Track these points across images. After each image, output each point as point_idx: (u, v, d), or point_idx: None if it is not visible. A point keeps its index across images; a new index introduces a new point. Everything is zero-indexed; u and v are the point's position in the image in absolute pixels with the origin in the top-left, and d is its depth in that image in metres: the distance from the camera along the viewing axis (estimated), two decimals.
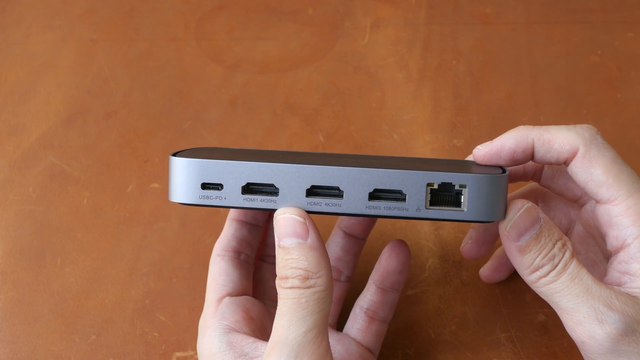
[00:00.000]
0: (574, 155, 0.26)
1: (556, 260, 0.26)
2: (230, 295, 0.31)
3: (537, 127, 0.28)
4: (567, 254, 0.26)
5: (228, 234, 0.33)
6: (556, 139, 0.27)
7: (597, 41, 0.52)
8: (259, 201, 0.26)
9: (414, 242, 0.40)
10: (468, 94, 0.49)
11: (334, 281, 0.33)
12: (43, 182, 0.45)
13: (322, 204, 0.26)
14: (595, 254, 0.32)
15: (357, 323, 0.33)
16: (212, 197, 0.26)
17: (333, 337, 0.32)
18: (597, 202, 0.27)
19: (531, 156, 0.28)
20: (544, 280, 0.26)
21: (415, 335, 0.37)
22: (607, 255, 0.30)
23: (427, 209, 0.27)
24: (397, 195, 0.26)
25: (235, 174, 0.26)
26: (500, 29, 0.53)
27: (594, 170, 0.26)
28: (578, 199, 0.31)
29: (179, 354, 0.36)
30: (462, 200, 0.26)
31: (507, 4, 0.55)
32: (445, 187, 0.26)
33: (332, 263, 0.34)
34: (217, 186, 0.26)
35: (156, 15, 0.57)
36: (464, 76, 0.50)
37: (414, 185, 0.26)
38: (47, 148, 0.47)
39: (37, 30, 0.56)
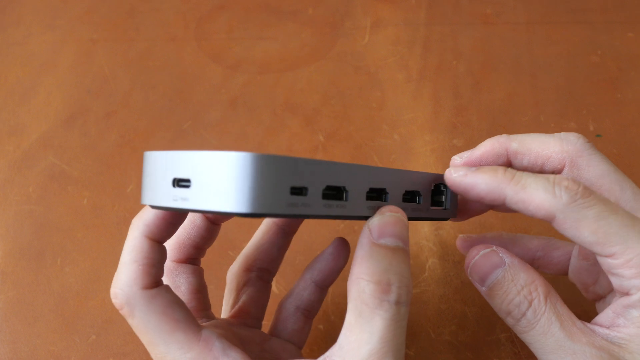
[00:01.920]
0: (552, 219, 0.24)
1: (522, 308, 0.24)
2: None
3: (514, 178, 0.25)
4: (536, 302, 0.24)
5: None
6: (531, 202, 0.24)
7: (597, 41, 0.52)
8: (335, 207, 0.23)
9: (414, 242, 0.40)
10: (468, 94, 0.49)
11: (269, 285, 0.32)
12: (43, 182, 0.45)
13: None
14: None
15: (293, 324, 0.31)
16: (299, 205, 0.21)
17: (277, 345, 0.30)
18: (594, 253, 0.25)
19: (502, 204, 0.25)
20: (517, 328, 0.25)
21: (415, 335, 0.37)
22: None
23: (430, 209, 0.27)
24: (417, 197, 0.27)
25: (318, 175, 0.22)
26: (500, 29, 0.53)
27: (579, 232, 0.24)
28: None
29: None
30: (444, 200, 0.28)
31: (507, 4, 0.55)
32: (438, 188, 0.28)
33: (266, 265, 0.32)
34: (303, 191, 0.22)
35: (156, 15, 0.57)
36: (464, 76, 0.50)
37: (427, 186, 0.27)
38: (47, 148, 0.47)
39: (37, 30, 0.56)
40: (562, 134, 0.27)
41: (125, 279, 0.25)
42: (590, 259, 0.29)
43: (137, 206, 0.43)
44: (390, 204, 0.25)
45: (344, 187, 0.23)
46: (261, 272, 0.32)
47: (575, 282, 0.30)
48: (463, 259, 0.40)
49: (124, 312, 0.25)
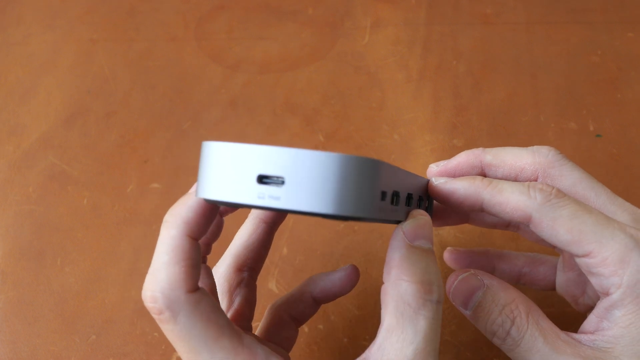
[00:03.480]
0: (528, 220, 0.25)
1: (506, 326, 0.25)
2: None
3: (491, 183, 0.26)
4: (519, 320, 0.24)
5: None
6: (507, 204, 0.25)
7: (597, 41, 0.52)
8: (389, 211, 0.23)
9: None
10: (468, 94, 0.49)
11: (256, 285, 0.31)
12: (43, 182, 0.45)
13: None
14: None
15: (286, 331, 0.30)
16: (383, 209, 0.21)
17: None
18: (572, 254, 0.25)
19: (480, 209, 0.26)
20: (504, 347, 0.25)
21: None
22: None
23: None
24: (424, 202, 0.27)
25: (394, 180, 0.22)
26: (500, 29, 0.53)
27: (555, 232, 0.24)
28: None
29: (178, 354, 0.36)
30: (427, 205, 0.28)
31: (507, 4, 0.55)
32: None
33: (255, 264, 0.31)
34: (385, 195, 0.21)
35: (156, 15, 0.57)
36: (464, 76, 0.50)
37: (426, 190, 0.27)
38: (47, 148, 0.47)
39: (37, 30, 0.56)
40: (534, 147, 0.28)
41: (167, 281, 0.22)
42: (575, 269, 0.29)
43: (137, 206, 0.43)
44: (414, 208, 0.25)
45: (399, 193, 0.23)
46: (251, 271, 0.31)
47: (564, 296, 0.30)
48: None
49: (163, 317, 0.22)
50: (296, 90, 0.50)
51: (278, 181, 0.20)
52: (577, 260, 0.25)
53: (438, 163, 0.30)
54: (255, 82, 0.51)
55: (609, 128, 0.46)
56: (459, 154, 0.29)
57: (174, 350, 0.36)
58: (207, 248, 0.30)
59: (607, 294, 0.24)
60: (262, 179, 0.20)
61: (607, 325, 0.24)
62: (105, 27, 0.56)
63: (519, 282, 0.32)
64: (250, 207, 0.21)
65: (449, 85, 0.49)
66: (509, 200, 0.25)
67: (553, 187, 0.25)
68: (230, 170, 0.20)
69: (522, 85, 0.49)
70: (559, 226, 0.24)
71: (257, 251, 0.31)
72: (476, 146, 0.45)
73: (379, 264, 0.39)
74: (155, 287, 0.22)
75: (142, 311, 0.38)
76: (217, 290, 0.31)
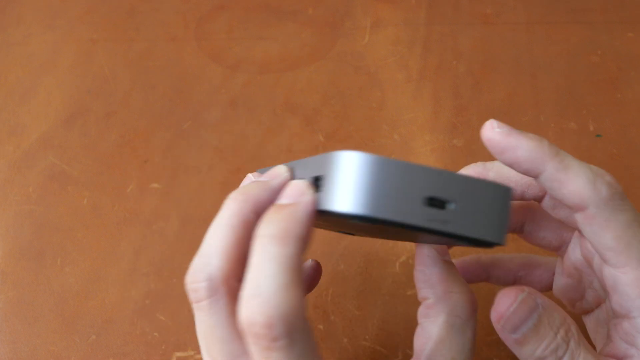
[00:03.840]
0: (582, 209, 0.22)
1: (560, 353, 0.22)
2: None
3: (558, 155, 0.23)
4: (572, 344, 0.23)
5: None
6: (568, 185, 0.22)
7: (597, 41, 0.52)
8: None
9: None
10: (468, 94, 0.49)
11: None
12: (43, 182, 0.45)
13: None
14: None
15: None
16: None
17: None
18: (604, 261, 0.24)
19: (536, 176, 0.24)
20: None
21: None
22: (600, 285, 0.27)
23: None
24: None
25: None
26: (500, 29, 0.53)
27: (603, 233, 0.22)
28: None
29: (178, 354, 0.36)
30: None
31: (507, 4, 0.55)
32: None
33: None
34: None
35: (156, 15, 0.57)
36: (464, 76, 0.50)
37: None
38: (47, 148, 0.47)
39: (37, 30, 0.56)
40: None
41: (289, 306, 0.19)
42: (575, 277, 0.28)
43: (137, 206, 0.43)
44: None
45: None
46: None
47: (561, 299, 0.30)
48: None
49: (277, 344, 0.19)
50: (296, 90, 0.50)
51: (448, 206, 0.20)
52: (606, 270, 0.23)
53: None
54: (255, 82, 0.51)
55: (609, 128, 0.46)
56: (461, 170, 0.28)
57: (173, 350, 0.36)
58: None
59: (628, 318, 0.23)
60: (431, 201, 0.20)
61: (636, 352, 0.23)
62: (105, 27, 0.56)
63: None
64: (413, 228, 0.20)
65: (449, 85, 0.49)
66: (573, 182, 0.22)
67: (619, 185, 0.22)
68: (398, 188, 0.19)
69: (522, 85, 0.49)
70: (610, 230, 0.22)
71: None
72: (476, 146, 0.45)
73: (379, 264, 0.39)
74: (273, 311, 0.19)
75: (142, 311, 0.38)
76: None
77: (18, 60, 0.54)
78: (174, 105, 0.49)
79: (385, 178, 0.19)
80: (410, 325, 0.37)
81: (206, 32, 0.55)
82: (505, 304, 0.23)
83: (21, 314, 0.38)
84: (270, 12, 0.56)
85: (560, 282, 0.29)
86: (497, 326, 0.23)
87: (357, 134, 0.47)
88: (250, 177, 0.27)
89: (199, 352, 0.36)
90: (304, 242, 0.21)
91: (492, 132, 0.23)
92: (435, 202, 0.20)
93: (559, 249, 0.29)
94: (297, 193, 0.21)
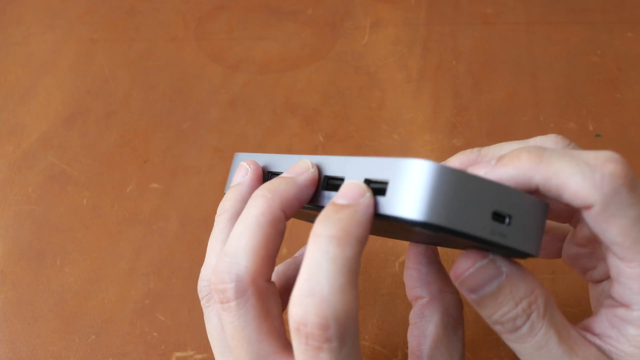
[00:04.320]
0: (587, 208, 0.21)
1: (518, 322, 0.22)
2: None
3: (544, 162, 0.21)
4: (534, 316, 0.22)
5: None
6: (567, 188, 0.21)
7: (597, 41, 0.52)
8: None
9: None
10: (468, 94, 0.49)
11: None
12: (43, 182, 0.45)
13: None
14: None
15: None
16: None
17: None
18: (610, 251, 0.22)
19: (535, 192, 0.23)
20: (506, 336, 0.23)
21: None
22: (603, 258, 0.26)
23: None
24: None
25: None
26: (500, 29, 0.53)
27: (610, 228, 0.21)
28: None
29: (178, 354, 0.36)
30: None
31: (507, 4, 0.55)
32: None
33: None
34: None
35: (156, 15, 0.57)
36: (464, 76, 0.50)
37: None
38: (47, 148, 0.47)
39: (37, 30, 0.57)
40: (538, 138, 0.26)
41: (344, 307, 0.19)
42: (588, 247, 0.26)
43: (137, 206, 0.43)
44: None
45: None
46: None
47: (572, 266, 0.28)
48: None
49: (329, 346, 0.19)
50: (296, 90, 0.50)
51: (507, 221, 0.21)
52: (610, 256, 0.22)
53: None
54: (255, 82, 0.51)
55: (609, 128, 0.46)
56: (453, 157, 0.27)
57: (173, 350, 0.36)
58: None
59: (625, 306, 0.23)
60: (496, 215, 0.20)
61: (616, 336, 0.23)
62: (105, 27, 0.56)
63: None
64: (475, 239, 0.20)
65: (448, 85, 0.49)
66: (569, 186, 0.21)
67: (628, 171, 0.20)
68: (471, 201, 0.20)
69: (522, 85, 0.49)
70: (617, 226, 0.21)
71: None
72: (476, 146, 0.45)
73: (379, 264, 0.39)
74: (329, 312, 0.19)
75: (141, 311, 0.38)
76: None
77: (18, 60, 0.54)
78: (173, 105, 0.49)
79: (460, 190, 0.20)
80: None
81: (206, 32, 0.55)
82: (462, 267, 0.22)
83: (21, 314, 0.38)
84: (270, 12, 0.56)
85: (571, 250, 0.28)
86: (455, 283, 0.23)
87: (357, 134, 0.47)
88: (245, 166, 0.27)
89: (198, 352, 0.36)
90: (363, 244, 0.20)
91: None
92: (499, 216, 0.20)
93: (570, 220, 0.27)
94: (357, 194, 0.21)
